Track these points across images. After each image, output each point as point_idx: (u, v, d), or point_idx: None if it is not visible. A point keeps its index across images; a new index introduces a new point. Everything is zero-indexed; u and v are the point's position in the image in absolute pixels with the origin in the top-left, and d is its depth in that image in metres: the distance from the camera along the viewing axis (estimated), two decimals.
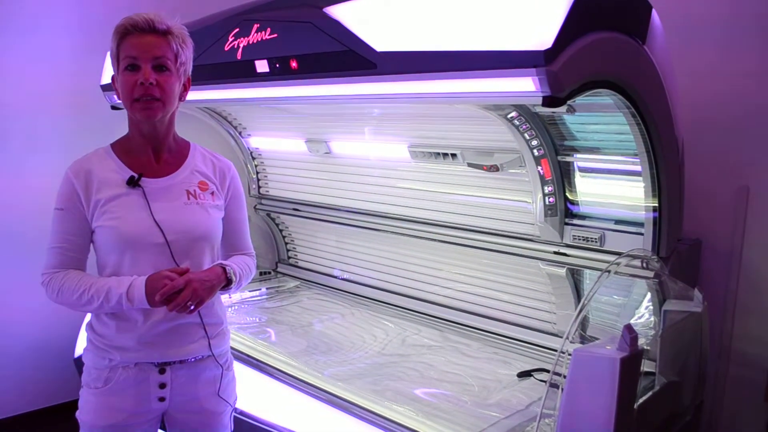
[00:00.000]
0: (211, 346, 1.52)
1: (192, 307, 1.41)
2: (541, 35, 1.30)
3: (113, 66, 1.46)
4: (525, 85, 1.35)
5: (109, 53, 1.49)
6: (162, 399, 1.48)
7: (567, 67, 1.32)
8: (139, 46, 1.40)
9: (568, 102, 1.44)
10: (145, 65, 1.40)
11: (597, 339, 1.96)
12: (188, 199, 1.49)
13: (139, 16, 1.41)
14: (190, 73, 1.53)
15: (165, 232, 1.43)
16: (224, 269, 1.50)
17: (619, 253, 1.95)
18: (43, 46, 2.85)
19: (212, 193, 1.54)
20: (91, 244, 1.50)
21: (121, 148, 1.51)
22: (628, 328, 1.41)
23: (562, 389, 1.43)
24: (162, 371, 1.47)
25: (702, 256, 2.24)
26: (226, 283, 1.50)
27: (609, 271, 1.60)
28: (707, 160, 2.22)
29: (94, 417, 1.47)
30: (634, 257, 1.74)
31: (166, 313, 1.44)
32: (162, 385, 1.48)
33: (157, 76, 1.41)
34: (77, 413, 1.52)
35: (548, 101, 1.34)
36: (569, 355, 1.42)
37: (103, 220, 1.43)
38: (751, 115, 2.13)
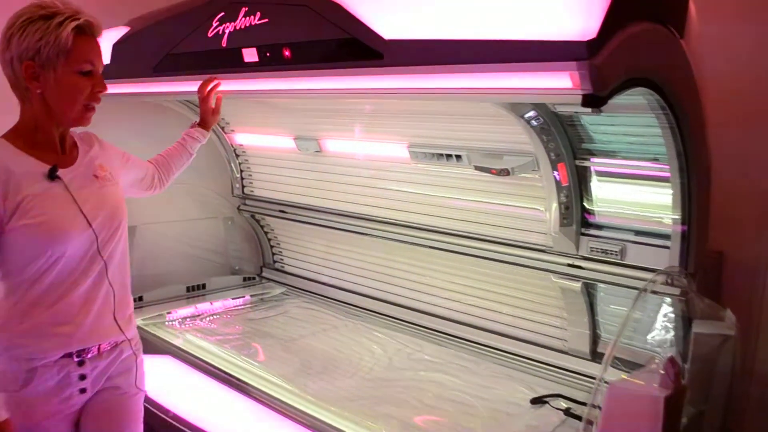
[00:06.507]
0: (124, 331, 1.57)
1: None
2: (583, 23, 1.12)
3: (48, 55, 1.37)
4: (560, 81, 1.17)
5: (43, 36, 1.36)
6: (83, 390, 1.52)
7: (611, 61, 1.14)
8: (95, 53, 1.45)
9: None
10: (97, 72, 1.46)
11: (620, 360, 1.80)
12: (99, 181, 1.54)
13: (95, 19, 1.44)
14: None
15: (90, 219, 1.47)
16: None
17: (640, 267, 1.81)
18: None
19: (102, 165, 1.58)
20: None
21: (24, 143, 1.47)
22: (672, 362, 1.25)
23: (595, 424, 1.27)
24: (81, 363, 1.50)
25: (724, 270, 2.09)
26: None
27: (645, 290, 1.45)
28: (728, 163, 2.06)
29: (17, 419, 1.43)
30: (669, 274, 1.58)
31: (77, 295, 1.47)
32: (82, 377, 1.51)
33: None
34: None
35: (588, 100, 1.16)
36: (606, 383, 1.26)
37: (28, 218, 1.40)
38: None
